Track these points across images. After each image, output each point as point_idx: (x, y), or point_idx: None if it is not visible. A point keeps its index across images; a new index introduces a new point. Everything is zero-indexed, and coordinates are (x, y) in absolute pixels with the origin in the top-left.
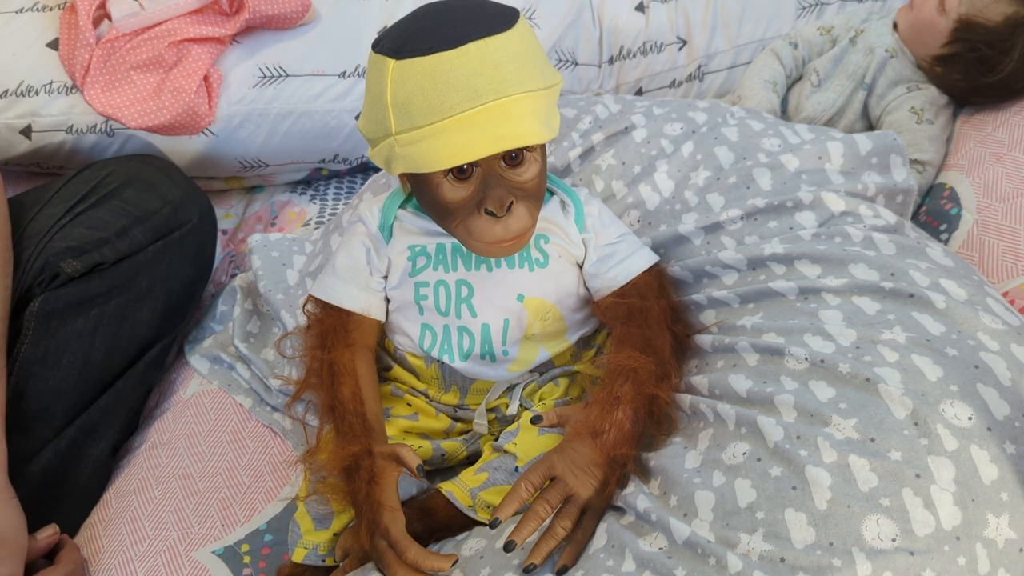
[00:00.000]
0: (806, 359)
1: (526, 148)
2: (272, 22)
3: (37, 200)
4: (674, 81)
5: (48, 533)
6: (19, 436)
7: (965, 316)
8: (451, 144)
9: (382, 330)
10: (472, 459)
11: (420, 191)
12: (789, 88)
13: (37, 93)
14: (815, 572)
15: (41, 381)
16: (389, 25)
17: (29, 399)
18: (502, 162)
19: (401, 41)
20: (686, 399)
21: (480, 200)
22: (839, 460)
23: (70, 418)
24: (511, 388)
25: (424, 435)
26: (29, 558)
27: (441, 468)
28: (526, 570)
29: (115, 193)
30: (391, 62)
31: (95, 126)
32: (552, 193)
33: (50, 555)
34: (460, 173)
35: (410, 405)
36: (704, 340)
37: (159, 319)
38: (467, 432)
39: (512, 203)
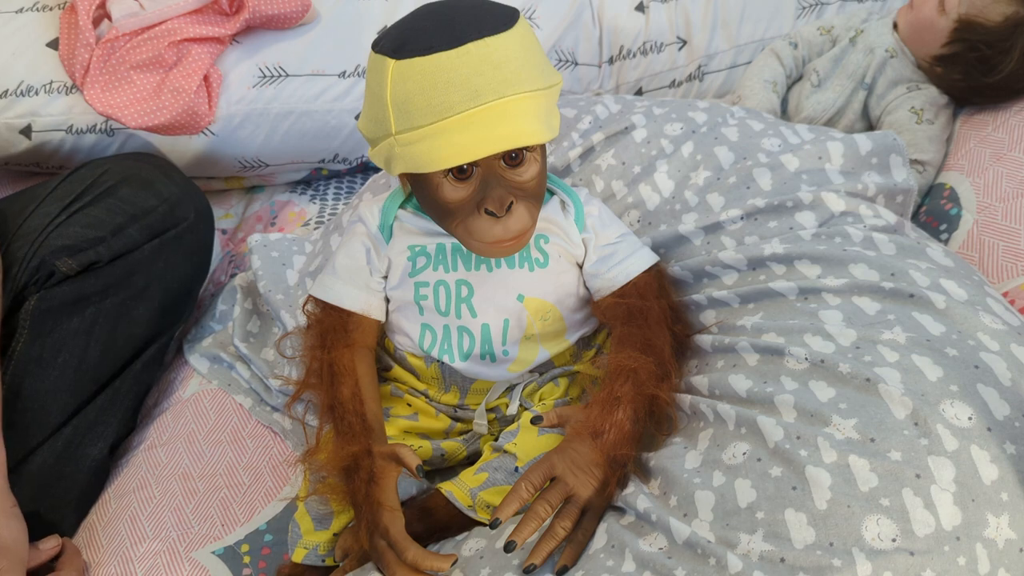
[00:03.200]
0: (806, 359)
1: (526, 148)
2: (272, 22)
3: (33, 198)
4: (674, 81)
5: (51, 545)
6: (14, 435)
7: (965, 316)
8: (451, 144)
9: (382, 330)
10: (472, 459)
11: (420, 191)
12: (789, 88)
13: (37, 93)
14: (815, 572)
15: (37, 380)
16: (389, 25)
17: (25, 398)
18: (502, 162)
19: (401, 41)
20: (686, 399)
21: (480, 200)
22: (839, 460)
23: (66, 417)
24: (511, 388)
25: (424, 435)
26: (30, 567)
27: (441, 468)
28: (526, 570)
29: (111, 191)
30: (391, 62)
31: (95, 126)
32: (552, 193)
33: (50, 562)
34: (460, 173)
35: (410, 405)
36: (704, 340)
37: (156, 317)
38: (467, 432)
39: (512, 203)
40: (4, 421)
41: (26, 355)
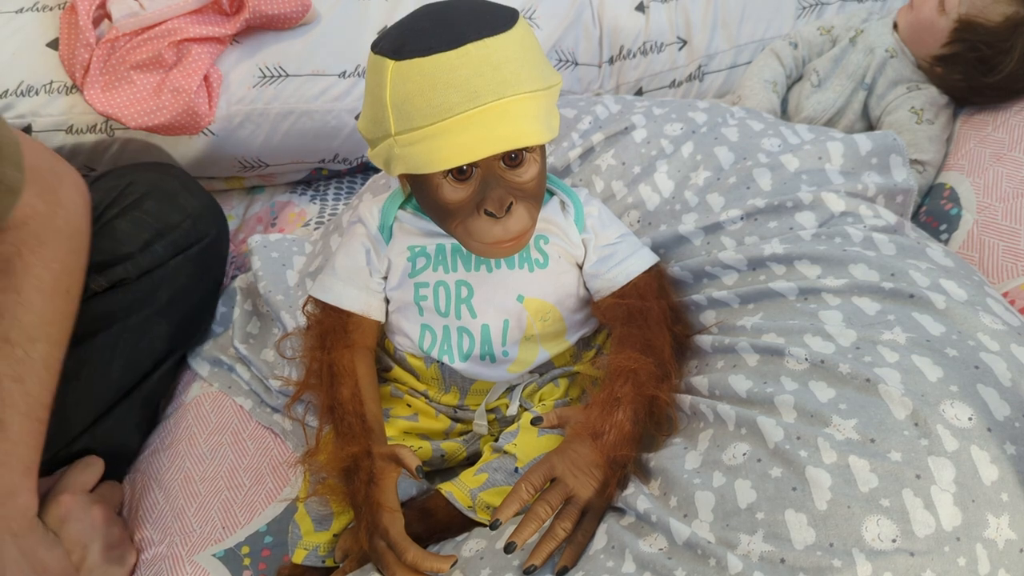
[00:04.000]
0: (806, 359)
1: (525, 149)
2: (272, 22)
3: None
4: (674, 81)
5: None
6: None
7: (965, 316)
8: (450, 145)
9: (382, 331)
10: (472, 460)
11: (420, 192)
12: (789, 88)
13: (37, 93)
14: (815, 573)
15: (61, 393)
16: (389, 25)
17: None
18: (501, 163)
19: (400, 42)
20: (686, 400)
21: (480, 201)
22: (839, 461)
23: (83, 428)
24: (511, 389)
25: (424, 436)
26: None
27: (441, 469)
28: (526, 571)
29: (136, 204)
30: (390, 63)
31: (95, 126)
32: (552, 194)
33: None
34: (459, 174)
35: (410, 406)
36: (704, 340)
37: (175, 332)
38: (467, 433)
39: (512, 204)
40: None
41: None
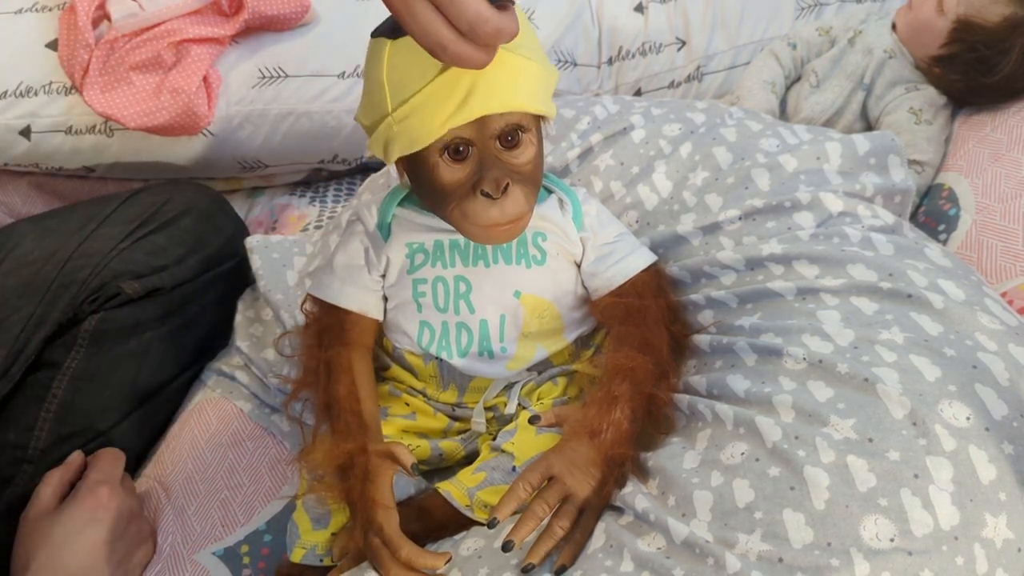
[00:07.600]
0: (804, 359)
1: (521, 129)
2: (271, 23)
3: (90, 218)
4: (673, 82)
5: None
6: (67, 448)
7: (963, 316)
8: (444, 109)
9: (380, 330)
10: (470, 458)
11: (417, 178)
12: (788, 89)
13: (36, 94)
14: (813, 572)
15: (89, 398)
16: None
17: (76, 413)
18: (498, 143)
19: (398, 23)
20: (684, 399)
21: (476, 181)
22: (837, 460)
23: (105, 429)
24: (509, 387)
25: (422, 434)
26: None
27: (439, 468)
28: (524, 570)
29: (174, 221)
30: (387, 42)
31: (94, 127)
32: (550, 192)
33: None
34: (456, 153)
35: (408, 404)
36: (702, 340)
37: (199, 346)
38: (465, 431)
39: (508, 185)
40: (55, 435)
41: (81, 372)
